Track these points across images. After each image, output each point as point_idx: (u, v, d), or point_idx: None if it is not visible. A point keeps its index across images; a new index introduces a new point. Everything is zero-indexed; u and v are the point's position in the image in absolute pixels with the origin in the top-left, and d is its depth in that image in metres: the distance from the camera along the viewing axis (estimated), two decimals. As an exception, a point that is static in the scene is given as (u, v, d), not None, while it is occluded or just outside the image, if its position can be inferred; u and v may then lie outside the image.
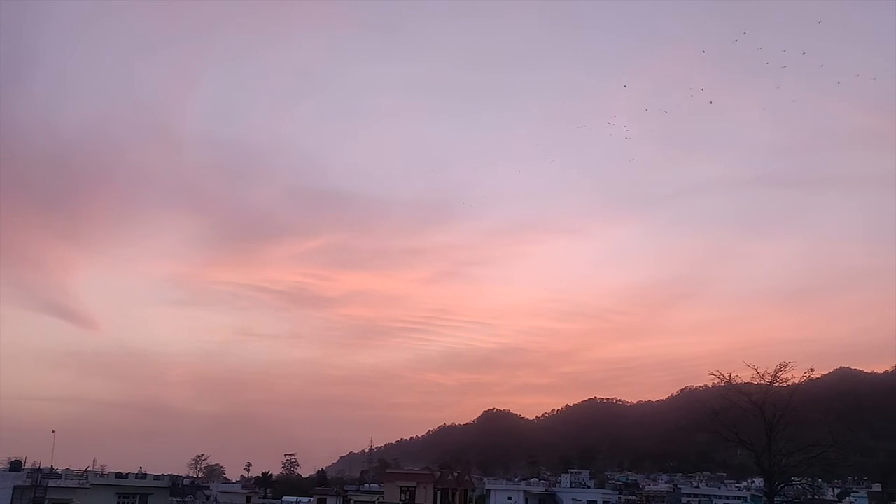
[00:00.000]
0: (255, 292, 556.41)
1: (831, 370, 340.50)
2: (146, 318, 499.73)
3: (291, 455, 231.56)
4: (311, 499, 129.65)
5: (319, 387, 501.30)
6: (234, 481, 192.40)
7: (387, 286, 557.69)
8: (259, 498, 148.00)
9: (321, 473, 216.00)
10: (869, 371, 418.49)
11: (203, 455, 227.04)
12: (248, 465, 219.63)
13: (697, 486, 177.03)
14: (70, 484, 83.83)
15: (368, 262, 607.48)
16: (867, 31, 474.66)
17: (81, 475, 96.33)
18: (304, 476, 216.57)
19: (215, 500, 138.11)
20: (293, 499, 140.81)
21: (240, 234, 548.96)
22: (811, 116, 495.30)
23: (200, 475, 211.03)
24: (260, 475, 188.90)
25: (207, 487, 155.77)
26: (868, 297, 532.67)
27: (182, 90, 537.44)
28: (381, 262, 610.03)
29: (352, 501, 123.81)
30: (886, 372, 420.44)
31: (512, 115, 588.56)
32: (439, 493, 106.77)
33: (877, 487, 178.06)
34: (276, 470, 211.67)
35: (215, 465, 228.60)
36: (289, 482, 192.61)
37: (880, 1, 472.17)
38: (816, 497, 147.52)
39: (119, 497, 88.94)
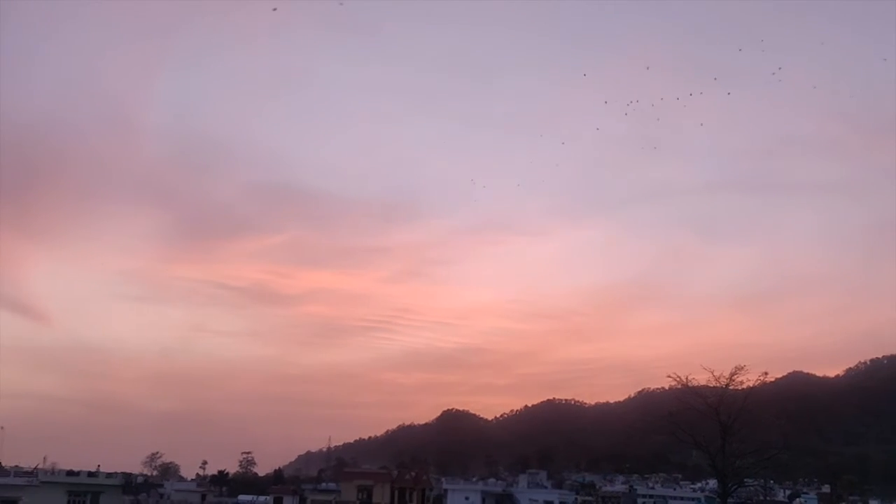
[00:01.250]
0: (214, 289, 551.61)
1: (785, 374, 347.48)
2: (101, 313, 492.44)
3: (248, 453, 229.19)
4: (268, 497, 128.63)
5: (278, 385, 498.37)
6: (189, 479, 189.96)
7: (349, 285, 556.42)
8: (214, 496, 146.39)
9: (278, 472, 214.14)
10: (821, 375, 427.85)
11: (158, 453, 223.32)
12: (204, 463, 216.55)
13: (653, 487, 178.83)
14: (19, 482, 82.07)
15: (330, 259, 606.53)
16: (826, 42, 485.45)
17: (31, 473, 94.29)
18: (260, 475, 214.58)
19: (169, 498, 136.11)
20: (249, 497, 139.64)
21: (200, 228, 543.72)
22: (769, 124, 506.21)
23: (155, 473, 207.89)
24: (216, 473, 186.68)
25: (161, 486, 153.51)
26: (822, 303, 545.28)
27: (144, 82, 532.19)
28: (344, 260, 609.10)
29: (308, 500, 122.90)
30: (837, 376, 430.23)
31: (478, 117, 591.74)
32: (396, 492, 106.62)
33: (826, 489, 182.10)
34: (232, 468, 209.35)
35: (170, 463, 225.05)
36: (245, 481, 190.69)
37: (838, 13, 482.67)
38: (768, 498, 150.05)
39: (70, 495, 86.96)
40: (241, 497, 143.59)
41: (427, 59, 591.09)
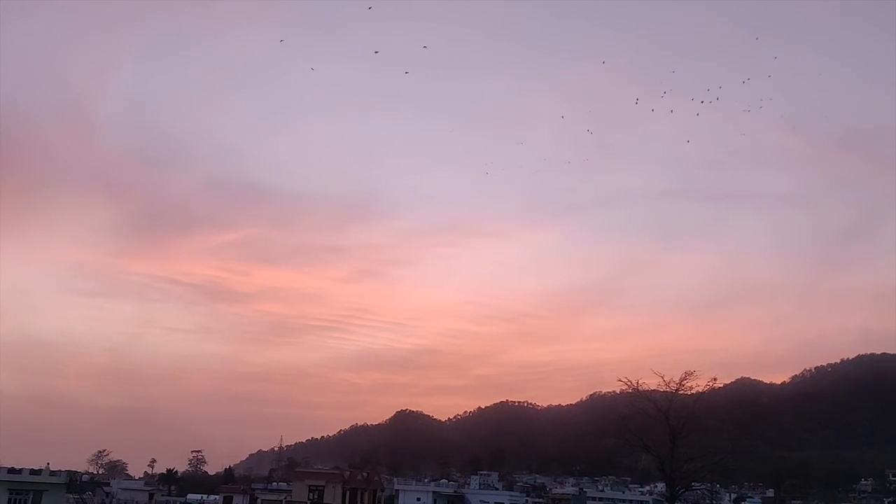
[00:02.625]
0: (167, 284, 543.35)
1: (733, 380, 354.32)
2: (50, 307, 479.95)
3: (198, 452, 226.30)
4: (217, 497, 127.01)
5: (230, 383, 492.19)
6: (136, 478, 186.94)
7: (304, 283, 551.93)
8: (162, 495, 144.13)
9: (228, 471, 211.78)
10: (768, 382, 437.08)
11: (104, 451, 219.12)
12: (153, 461, 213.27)
13: (602, 490, 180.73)
14: (-44, 479, 79.73)
15: (287, 258, 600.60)
16: (778, 55, 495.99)
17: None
18: (210, 474, 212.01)
19: (115, 497, 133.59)
20: (198, 496, 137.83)
21: (154, 223, 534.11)
22: (723, 134, 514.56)
23: (101, 471, 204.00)
24: (164, 472, 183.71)
25: (108, 484, 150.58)
26: (771, 311, 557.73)
27: (101, 75, 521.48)
28: (300, 258, 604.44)
29: (259, 500, 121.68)
30: (784, 383, 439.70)
31: (439, 119, 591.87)
32: (348, 492, 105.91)
33: (770, 493, 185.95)
34: (181, 467, 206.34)
35: (117, 461, 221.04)
36: (195, 480, 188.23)
37: (791, 27, 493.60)
38: (714, 502, 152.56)
39: (11, 493, 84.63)
40: (190, 496, 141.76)
41: (387, 59, 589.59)
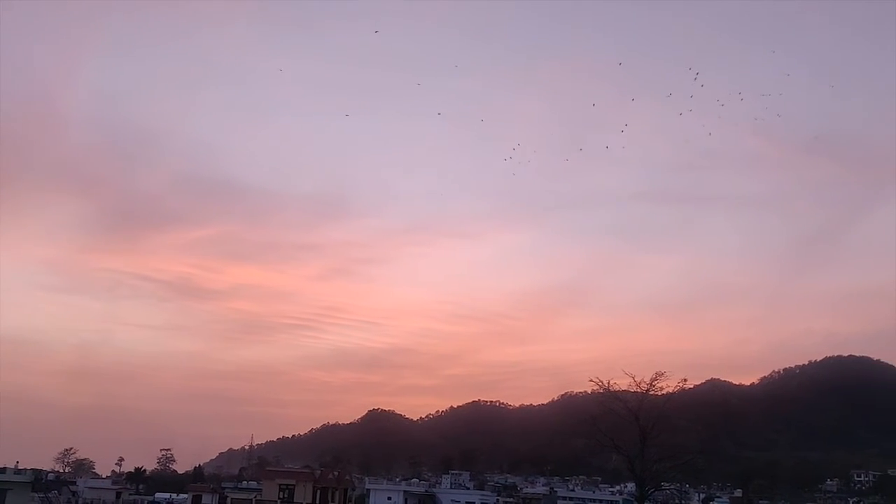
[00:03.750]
0: (138, 281, 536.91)
1: (703, 381, 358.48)
2: (17, 304, 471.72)
3: (167, 450, 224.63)
4: (186, 496, 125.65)
5: (201, 381, 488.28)
6: (103, 477, 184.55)
7: (277, 281, 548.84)
8: (130, 494, 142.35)
9: (198, 470, 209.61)
10: (737, 383, 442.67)
11: (71, 449, 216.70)
12: (121, 459, 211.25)
13: (573, 490, 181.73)
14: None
15: (259, 255, 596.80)
16: (751, 61, 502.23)
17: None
18: (179, 472, 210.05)
19: (81, 496, 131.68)
20: (167, 495, 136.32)
21: (124, 219, 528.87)
22: (695, 137, 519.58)
23: (67, 470, 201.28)
24: (132, 471, 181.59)
25: (74, 483, 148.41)
26: (740, 313, 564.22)
27: (71, 68, 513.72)
28: (273, 255, 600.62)
29: (229, 499, 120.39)
30: (752, 385, 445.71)
31: (413, 117, 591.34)
32: (319, 492, 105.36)
33: (738, 493, 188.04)
34: (150, 465, 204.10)
35: (84, 459, 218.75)
36: (163, 478, 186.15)
37: (761, 33, 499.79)
38: (683, 502, 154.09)
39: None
40: (158, 495, 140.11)
41: (363, 56, 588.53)
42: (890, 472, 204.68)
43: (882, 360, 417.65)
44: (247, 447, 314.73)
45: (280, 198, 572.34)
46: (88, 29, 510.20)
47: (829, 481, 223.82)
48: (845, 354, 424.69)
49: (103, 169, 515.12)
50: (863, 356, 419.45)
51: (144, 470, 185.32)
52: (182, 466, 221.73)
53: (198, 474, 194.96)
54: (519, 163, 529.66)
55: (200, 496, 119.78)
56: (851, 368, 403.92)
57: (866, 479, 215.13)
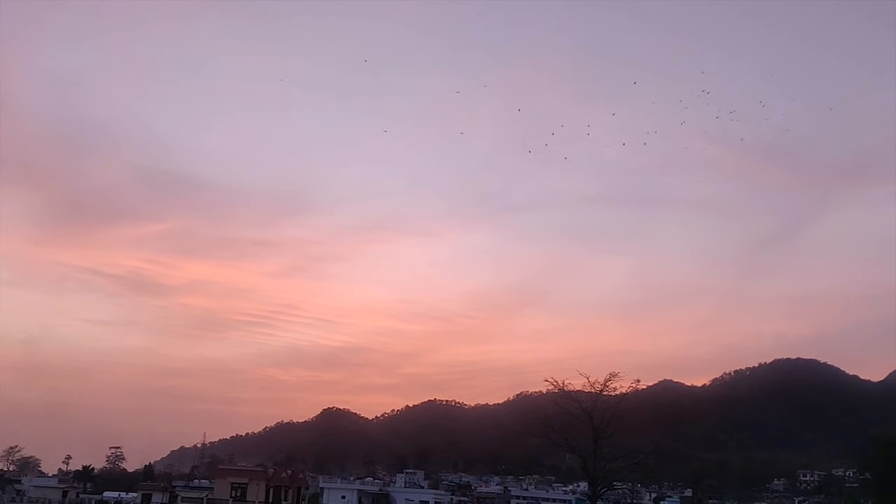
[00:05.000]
0: (89, 275, 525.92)
1: (656, 381, 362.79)
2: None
3: (117, 448, 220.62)
4: (136, 494, 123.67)
5: (153, 378, 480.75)
6: (50, 475, 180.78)
7: (232, 277, 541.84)
8: (77, 493, 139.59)
9: (148, 468, 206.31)
10: (689, 384, 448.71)
11: (17, 446, 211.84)
12: (68, 458, 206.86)
13: (527, 489, 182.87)
14: None
15: (214, 251, 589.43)
16: (706, 67, 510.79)
17: None
18: (129, 471, 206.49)
19: (27, 494, 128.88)
20: (115, 494, 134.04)
21: (76, 212, 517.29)
22: (650, 141, 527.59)
23: (12, 468, 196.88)
24: (80, 469, 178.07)
25: (19, 481, 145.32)
26: (693, 315, 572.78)
27: (22, 54, 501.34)
28: (228, 251, 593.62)
29: (179, 498, 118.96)
30: (704, 386, 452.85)
31: (373, 114, 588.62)
32: (272, 490, 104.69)
33: (688, 493, 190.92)
34: (98, 464, 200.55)
35: (30, 457, 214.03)
36: (112, 477, 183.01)
37: (717, 40, 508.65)
38: (635, 501, 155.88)
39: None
40: (107, 494, 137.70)
41: (324, 52, 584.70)
42: (834, 472, 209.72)
43: (829, 363, 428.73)
44: (199, 445, 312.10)
45: (237, 193, 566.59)
46: (42, 16, 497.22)
47: (776, 481, 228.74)
48: (794, 357, 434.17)
49: (55, 160, 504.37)
50: (811, 359, 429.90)
51: (93, 468, 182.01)
52: (132, 465, 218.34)
53: (148, 473, 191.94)
54: (479, 162, 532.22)
55: (150, 495, 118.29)
56: (799, 371, 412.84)
57: (811, 478, 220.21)
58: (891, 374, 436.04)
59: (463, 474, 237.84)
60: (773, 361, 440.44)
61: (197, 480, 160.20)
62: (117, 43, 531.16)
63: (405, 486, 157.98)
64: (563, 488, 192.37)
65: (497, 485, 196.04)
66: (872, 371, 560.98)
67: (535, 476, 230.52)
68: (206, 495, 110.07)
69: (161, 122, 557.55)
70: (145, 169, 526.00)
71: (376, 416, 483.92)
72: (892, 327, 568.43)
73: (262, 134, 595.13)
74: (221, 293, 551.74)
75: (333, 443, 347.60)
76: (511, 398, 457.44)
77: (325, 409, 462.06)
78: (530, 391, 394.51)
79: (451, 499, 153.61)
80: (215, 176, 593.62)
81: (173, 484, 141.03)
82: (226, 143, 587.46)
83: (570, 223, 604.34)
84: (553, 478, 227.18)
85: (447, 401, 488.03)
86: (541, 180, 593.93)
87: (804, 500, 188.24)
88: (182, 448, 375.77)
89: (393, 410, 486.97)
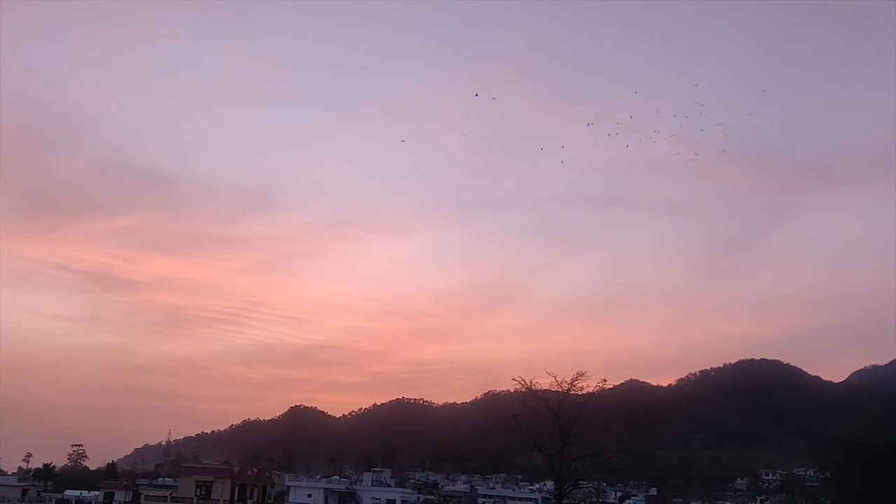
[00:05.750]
0: (54, 270, 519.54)
1: (622, 381, 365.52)
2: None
3: (79, 446, 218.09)
4: (98, 493, 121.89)
5: (118, 374, 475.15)
6: (9, 473, 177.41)
7: (200, 274, 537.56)
8: (38, 492, 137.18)
9: (111, 466, 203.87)
10: (655, 384, 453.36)
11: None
12: (28, 455, 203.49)
13: (493, 488, 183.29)
14: None
15: (182, 247, 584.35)
16: (670, 70, 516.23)
17: None
18: (91, 469, 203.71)
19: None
20: (77, 493, 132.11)
21: (41, 205, 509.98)
22: (621, 143, 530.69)
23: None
24: (41, 467, 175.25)
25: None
26: (659, 316, 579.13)
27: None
28: (196, 248, 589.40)
29: (143, 496, 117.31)
30: (670, 385, 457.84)
31: (344, 113, 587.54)
32: (237, 488, 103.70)
33: (653, 491, 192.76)
34: (60, 462, 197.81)
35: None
36: (74, 475, 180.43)
37: (686, 44, 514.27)
38: (600, 500, 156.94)
39: None
40: (68, 492, 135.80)
41: (295, 49, 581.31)
42: (796, 471, 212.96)
43: (791, 364, 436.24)
44: (164, 443, 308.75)
45: (206, 189, 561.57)
46: (9, 8, 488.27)
47: (739, 480, 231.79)
48: (758, 357, 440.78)
49: (19, 154, 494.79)
50: (774, 359, 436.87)
51: (53, 466, 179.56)
52: (94, 463, 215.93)
53: (111, 471, 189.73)
54: (449, 161, 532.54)
55: (113, 493, 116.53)
56: (763, 371, 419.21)
57: (774, 478, 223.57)
58: (852, 376, 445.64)
59: (430, 473, 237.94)
60: (737, 362, 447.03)
61: (161, 479, 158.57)
62: (87, 36, 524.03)
63: (372, 485, 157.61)
64: (530, 487, 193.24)
65: (464, 483, 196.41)
66: (834, 372, 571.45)
67: (501, 475, 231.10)
68: (171, 494, 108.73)
69: (130, 117, 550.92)
70: (113, 163, 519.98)
71: (344, 415, 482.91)
72: (853, 330, 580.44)
73: (232, 130, 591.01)
74: (188, 289, 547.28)
75: (300, 441, 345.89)
76: (479, 397, 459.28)
77: (292, 407, 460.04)
78: (498, 390, 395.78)
79: (418, 497, 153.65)
80: (184, 171, 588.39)
81: (137, 482, 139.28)
82: (195, 138, 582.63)
83: (538, 223, 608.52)
84: (520, 476, 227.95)
85: (415, 399, 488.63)
86: (510, 180, 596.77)
87: (766, 499, 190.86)
88: (146, 446, 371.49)
89: (361, 409, 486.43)
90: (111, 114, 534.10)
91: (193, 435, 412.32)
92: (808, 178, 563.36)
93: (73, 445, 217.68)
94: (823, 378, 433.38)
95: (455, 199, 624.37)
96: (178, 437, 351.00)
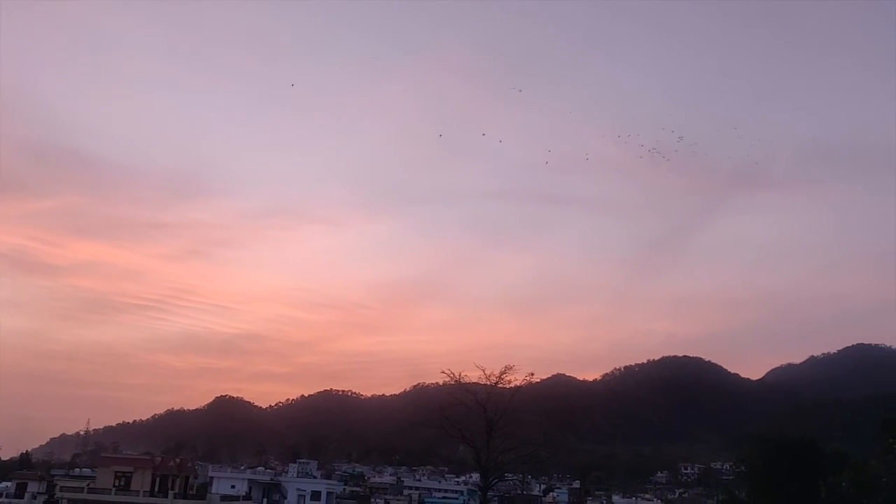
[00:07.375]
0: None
1: (549, 375, 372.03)
2: None
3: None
4: (9, 483, 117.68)
5: (35, 361, 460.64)
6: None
7: (124, 259, 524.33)
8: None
9: (25, 456, 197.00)
10: (581, 378, 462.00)
11: None
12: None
13: (419, 480, 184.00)
14: None
15: (106, 231, 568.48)
16: (608, 71, 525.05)
17: None
18: (4, 459, 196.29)
19: None
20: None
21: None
22: (556, 141, 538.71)
23: None
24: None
25: None
26: (587, 312, 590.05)
27: None
28: (121, 232, 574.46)
29: (58, 487, 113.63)
30: (595, 380, 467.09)
31: (279, 100, 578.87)
32: (158, 479, 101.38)
33: (577, 484, 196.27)
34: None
35: None
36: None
37: (621, 47, 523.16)
38: (525, 492, 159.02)
39: None
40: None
41: (232, 35, 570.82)
42: (713, 465, 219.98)
43: (712, 361, 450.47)
44: (82, 433, 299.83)
45: (133, 172, 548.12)
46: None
47: (659, 473, 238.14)
48: (680, 354, 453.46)
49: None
50: (696, 357, 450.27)
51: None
52: (7, 452, 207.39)
53: (24, 461, 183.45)
54: (385, 153, 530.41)
55: (26, 484, 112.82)
56: (685, 368, 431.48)
57: (692, 471, 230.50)
58: (769, 373, 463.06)
59: (357, 465, 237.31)
60: (661, 359, 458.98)
61: (78, 469, 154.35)
62: (11, 12, 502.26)
63: (298, 476, 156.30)
64: (456, 479, 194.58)
65: (391, 475, 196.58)
66: (752, 370, 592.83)
67: (428, 467, 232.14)
68: (88, 485, 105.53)
69: (56, 97, 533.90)
70: (36, 143, 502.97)
71: (271, 405, 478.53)
72: (772, 329, 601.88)
73: (163, 113, 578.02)
74: (112, 275, 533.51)
75: (225, 431, 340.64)
76: (408, 389, 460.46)
77: (218, 397, 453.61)
78: (427, 382, 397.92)
79: (344, 489, 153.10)
80: (111, 154, 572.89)
81: (52, 473, 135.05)
82: (123, 120, 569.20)
83: (471, 218, 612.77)
84: (446, 468, 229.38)
85: (343, 391, 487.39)
86: (444, 174, 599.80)
87: (685, 492, 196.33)
88: (63, 435, 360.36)
89: (288, 399, 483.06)
90: (37, 94, 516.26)
91: (114, 424, 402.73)
92: (734, 182, 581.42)
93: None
94: (742, 375, 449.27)
95: (389, 191, 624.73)
96: (97, 427, 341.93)
